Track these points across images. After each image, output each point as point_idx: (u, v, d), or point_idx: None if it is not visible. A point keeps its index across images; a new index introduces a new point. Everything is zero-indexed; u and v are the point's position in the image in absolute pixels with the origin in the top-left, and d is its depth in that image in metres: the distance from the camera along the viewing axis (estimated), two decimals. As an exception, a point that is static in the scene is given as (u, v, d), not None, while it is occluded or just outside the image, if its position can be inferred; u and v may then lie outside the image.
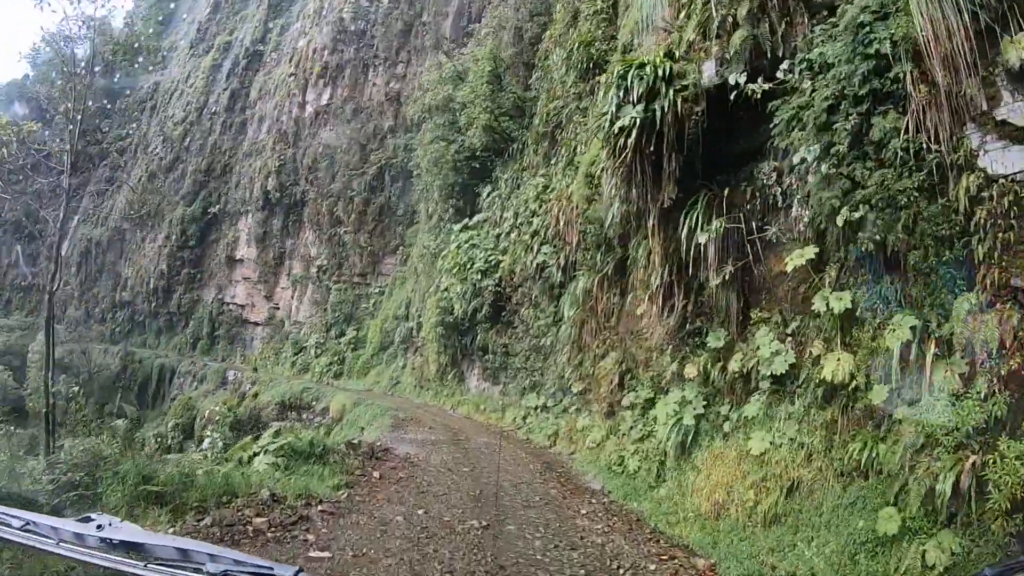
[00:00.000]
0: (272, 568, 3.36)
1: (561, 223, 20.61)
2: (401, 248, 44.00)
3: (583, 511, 12.91)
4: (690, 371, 13.94)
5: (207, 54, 66.37)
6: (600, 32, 21.75)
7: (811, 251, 11.35)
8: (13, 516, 3.70)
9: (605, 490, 14.81)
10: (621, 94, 13.82)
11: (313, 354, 46.79)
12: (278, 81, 58.29)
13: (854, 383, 10.37)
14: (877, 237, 9.69)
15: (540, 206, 24.40)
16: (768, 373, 11.92)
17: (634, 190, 14.27)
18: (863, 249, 10.11)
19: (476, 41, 37.08)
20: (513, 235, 25.75)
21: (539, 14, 31.14)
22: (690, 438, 13.62)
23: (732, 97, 12.44)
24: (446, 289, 28.49)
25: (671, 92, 13.41)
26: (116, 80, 69.19)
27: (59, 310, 67.80)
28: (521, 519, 11.94)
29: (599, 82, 18.24)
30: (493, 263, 26.43)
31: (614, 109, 14.01)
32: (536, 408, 23.36)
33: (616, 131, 13.77)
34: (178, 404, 50.37)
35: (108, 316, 66.21)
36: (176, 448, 42.00)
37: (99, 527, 3.62)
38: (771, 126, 11.71)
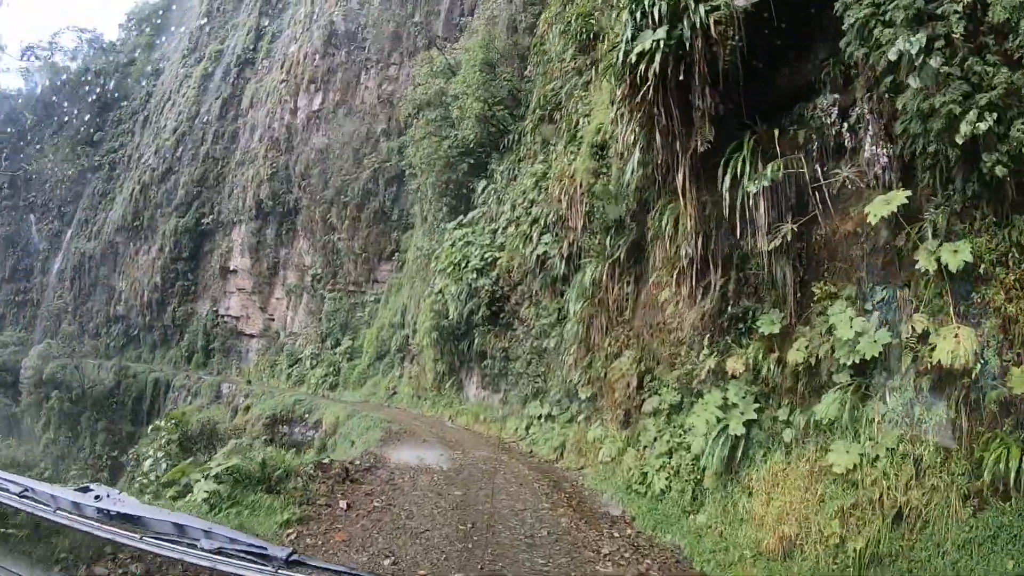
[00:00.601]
0: (265, 547, 3.39)
1: (564, 205, 17.51)
2: (397, 254, 41.63)
3: (605, 550, 9.86)
4: (734, 366, 10.86)
5: (199, 63, 63.62)
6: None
7: (900, 196, 8.17)
8: (11, 482, 3.66)
9: (627, 516, 12.44)
10: (639, 16, 10.51)
11: (308, 365, 44.29)
12: (269, 88, 55.64)
13: (980, 367, 7.55)
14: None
15: (539, 194, 21.77)
16: (849, 362, 8.59)
17: (658, 137, 11.18)
18: (987, 178, 7.07)
19: (468, 34, 35.09)
20: (510, 229, 22.84)
21: (533, 3, 28.79)
22: (739, 451, 10.18)
23: (773, 14, 9.76)
24: (440, 291, 25.47)
25: (701, 9, 10.07)
26: (109, 91, 67.77)
27: (53, 325, 66.05)
28: (524, 569, 8.54)
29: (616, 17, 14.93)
30: (489, 260, 23.38)
31: (630, 35, 10.71)
32: (540, 417, 20.48)
33: (634, 60, 10.71)
34: (171, 419, 47.64)
35: (103, 330, 63.77)
36: (171, 465, 39.12)
37: (97, 497, 3.65)
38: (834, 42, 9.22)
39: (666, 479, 11.98)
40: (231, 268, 55.59)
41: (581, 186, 16.82)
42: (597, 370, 16.50)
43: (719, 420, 10.85)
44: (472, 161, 29.14)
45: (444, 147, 29.62)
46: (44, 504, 3.47)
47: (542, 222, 20.18)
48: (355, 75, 49.21)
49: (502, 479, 14.33)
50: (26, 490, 3.55)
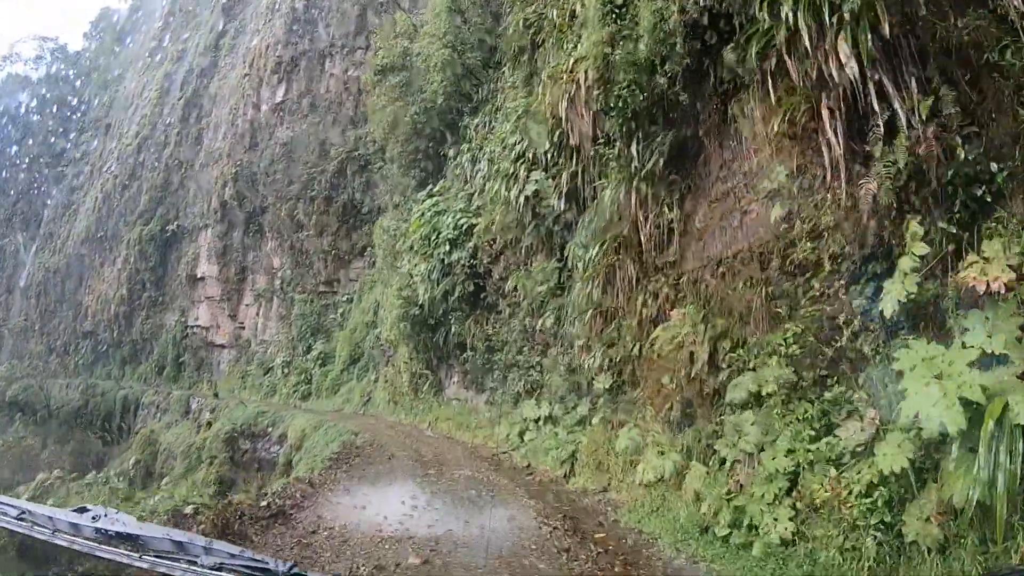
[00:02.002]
0: (267, 562, 3.24)
1: (563, 113, 11.39)
2: (369, 249, 36.54)
3: None
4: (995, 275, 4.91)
5: (160, 66, 58.13)
6: None
7: None
8: (9, 505, 3.54)
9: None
10: None
11: (280, 374, 39.60)
12: (232, 84, 50.91)
13: None
14: None
15: (523, 136, 15.60)
16: None
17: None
18: None
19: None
20: (489, 185, 16.73)
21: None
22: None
23: None
24: (409, 273, 19.42)
25: None
26: (71, 100, 62.54)
27: (19, 344, 60.40)
28: None
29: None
30: (465, 228, 17.86)
31: None
32: (537, 420, 15.40)
33: None
34: (140, 438, 42.56)
35: (71, 348, 58.55)
36: (139, 487, 33.55)
37: (95, 518, 3.51)
38: None
39: (793, 521, 6.32)
40: (198, 275, 50.53)
41: (588, 77, 11.03)
42: (625, 345, 10.84)
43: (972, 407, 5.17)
44: (441, 122, 23.97)
45: (410, 113, 24.64)
46: (42, 526, 3.28)
47: (530, 155, 14.45)
48: (319, 63, 44.56)
49: (496, 517, 9.80)
50: (24, 512, 3.33)
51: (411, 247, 19.97)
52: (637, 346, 10.67)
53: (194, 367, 50.33)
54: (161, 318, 53.67)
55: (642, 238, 10.56)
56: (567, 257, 13.23)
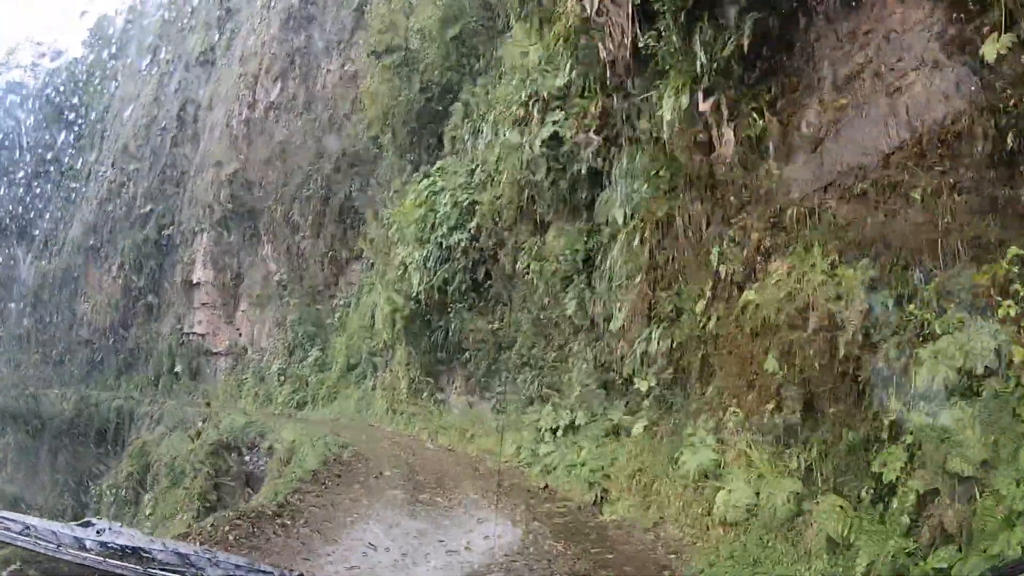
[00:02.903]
0: (274, 573, 3.25)
1: (591, 9, 8.19)
2: (366, 250, 33.85)
3: None
4: None
5: (156, 70, 55.58)
6: None
7: None
8: (12, 520, 3.43)
9: None
10: None
11: (276, 382, 37.15)
12: (228, 85, 48.11)
13: None
14: None
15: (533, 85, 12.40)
16: None
17: None
18: None
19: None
20: (495, 148, 13.56)
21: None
22: None
23: None
24: (402, 263, 16.20)
25: None
26: (69, 106, 59.99)
27: (13, 354, 57.58)
28: None
29: None
30: (466, 205, 14.41)
31: None
32: (555, 431, 11.77)
33: None
34: (133, 450, 39.62)
35: (65, 357, 55.48)
36: (131, 500, 34.28)
37: (99, 532, 3.44)
38: None
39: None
40: (194, 281, 47.71)
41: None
42: (689, 323, 7.53)
43: None
44: (441, 99, 20.96)
45: (406, 93, 21.84)
46: (46, 541, 3.15)
47: (544, 95, 11.28)
48: (316, 59, 41.72)
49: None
50: (27, 527, 3.21)
51: (404, 234, 16.85)
52: (708, 321, 7.48)
53: (190, 376, 47.14)
54: (157, 326, 50.85)
55: (715, 165, 7.37)
56: (597, 216, 10.05)
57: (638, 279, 9.06)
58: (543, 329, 13.31)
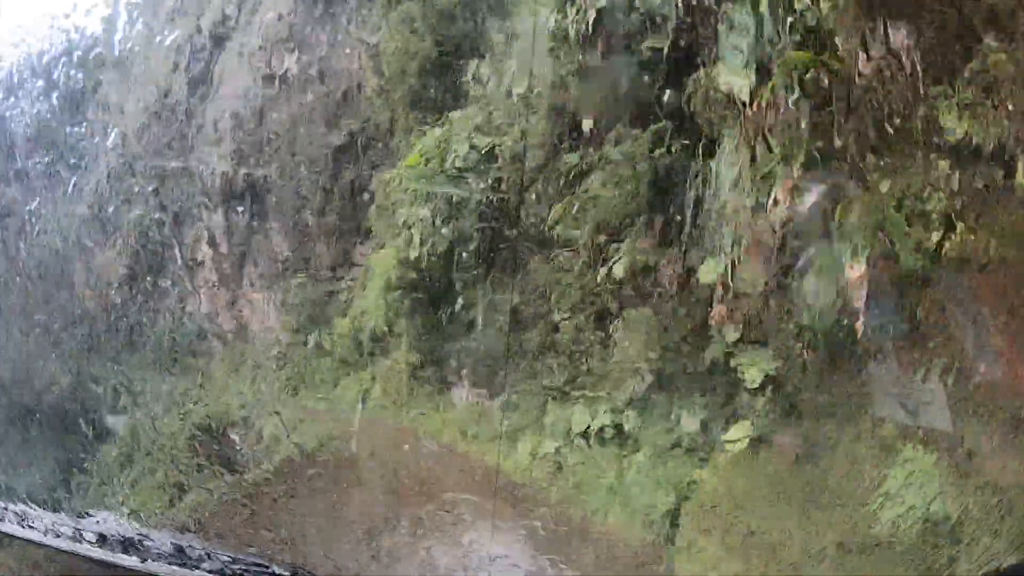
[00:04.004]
0: (268, 566, 3.54)
1: None
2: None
3: None
4: None
5: (169, 39, 52.39)
6: None
7: None
8: (9, 510, 4.07)
9: None
10: None
11: (274, 366, 34.92)
12: (243, 59, 44.02)
13: None
14: None
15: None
16: None
17: None
18: None
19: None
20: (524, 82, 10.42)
21: None
22: None
23: None
24: (404, 226, 13.12)
25: None
26: (80, 79, 57.29)
27: (9, 326, 54.74)
28: None
29: None
30: (484, 150, 10.89)
31: None
32: (586, 435, 7.69)
33: None
34: (124, 432, 38.47)
35: (64, 333, 51.56)
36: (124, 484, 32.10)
37: (96, 522, 3.08)
38: None
39: None
40: (198, 260, 44.80)
41: None
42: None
43: None
44: (459, 44, 17.75)
45: (421, 42, 18.14)
46: (45, 531, 3.65)
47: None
48: (333, 28, 38.42)
49: None
50: (24, 517, 3.75)
51: (405, 190, 13.61)
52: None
53: (190, 356, 42.91)
54: (159, 304, 46.83)
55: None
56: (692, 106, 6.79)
57: (772, 189, 5.89)
58: (581, 301, 10.12)
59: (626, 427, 8.97)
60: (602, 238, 9.98)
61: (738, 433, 7.15)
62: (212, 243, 43.87)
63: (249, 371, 36.56)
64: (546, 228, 11.08)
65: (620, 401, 9.22)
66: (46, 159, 57.55)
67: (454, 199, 12.51)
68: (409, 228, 14.09)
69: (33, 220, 57.93)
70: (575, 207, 10.34)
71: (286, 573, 3.73)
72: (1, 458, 42.64)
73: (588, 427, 9.61)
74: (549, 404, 10.71)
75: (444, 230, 12.68)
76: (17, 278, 56.37)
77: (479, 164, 12.22)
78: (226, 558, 3.80)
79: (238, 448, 23.59)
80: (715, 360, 7.96)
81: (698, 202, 7.85)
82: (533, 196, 11.53)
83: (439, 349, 15.52)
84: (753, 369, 7.20)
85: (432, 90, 18.80)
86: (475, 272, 12.47)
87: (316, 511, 11.14)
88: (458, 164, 12.42)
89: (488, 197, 11.92)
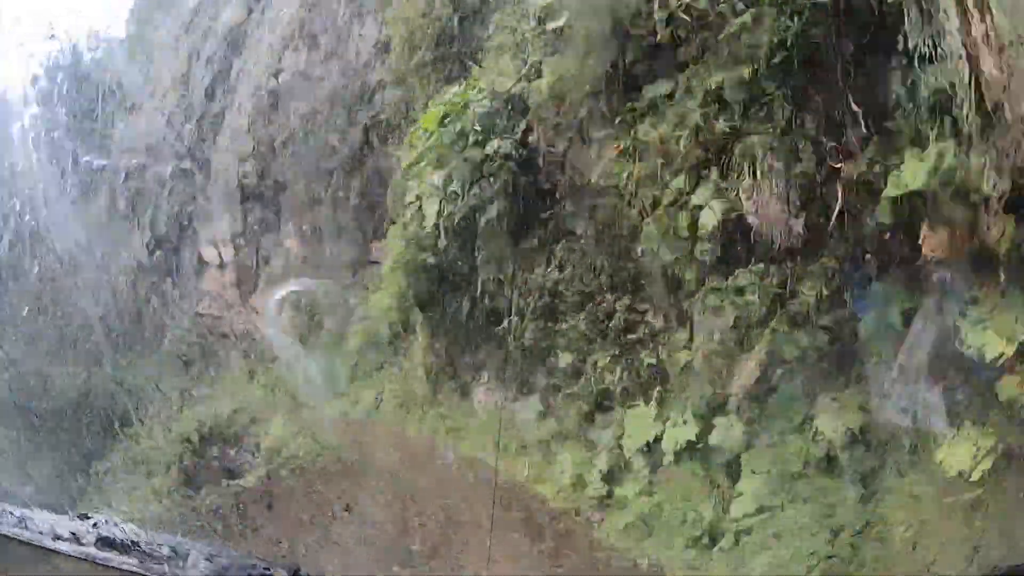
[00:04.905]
0: (269, 568, 2.96)
1: None
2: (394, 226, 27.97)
3: None
4: None
5: (189, 41, 50.93)
6: None
7: None
8: (8, 512, 3.29)
9: None
10: None
11: (287, 368, 31.95)
12: (257, 56, 42.85)
13: None
14: None
15: None
16: None
17: None
18: None
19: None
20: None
21: None
22: None
23: None
24: (416, 199, 10.24)
25: None
26: (104, 83, 56.12)
27: (25, 328, 52.87)
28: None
29: None
30: (511, 96, 8.00)
31: None
32: (651, 451, 4.57)
33: None
34: (132, 436, 35.55)
35: (79, 335, 49.70)
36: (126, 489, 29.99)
37: (95, 524, 3.28)
38: None
39: None
40: (213, 261, 43.10)
41: None
42: None
43: None
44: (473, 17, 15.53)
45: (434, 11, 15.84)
46: (42, 533, 3.03)
47: None
48: (347, 22, 36.62)
49: None
50: (23, 519, 3.09)
51: (419, 157, 11.06)
52: None
53: (203, 359, 41.72)
54: (173, 306, 45.77)
55: None
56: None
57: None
58: (637, 276, 7.64)
59: (719, 441, 6.39)
60: (673, 186, 7.53)
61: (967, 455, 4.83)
62: (226, 243, 41.90)
63: (261, 374, 34.52)
64: (592, 183, 8.54)
65: (707, 406, 6.70)
66: (61, 161, 56.36)
67: (477, 158, 10.00)
68: (419, 201, 11.43)
69: (45, 222, 56.64)
70: (632, 153, 7.97)
71: (286, 574, 2.79)
72: (8, 460, 40.92)
73: (650, 437, 7.01)
74: (597, 410, 8.18)
75: (464, 197, 10.14)
76: (29, 283, 55.00)
77: (506, 115, 9.74)
78: (223, 560, 2.93)
79: (243, 452, 21.59)
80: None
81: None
82: (575, 146, 9.02)
83: (459, 345, 12.74)
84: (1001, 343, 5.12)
85: (448, 59, 16.32)
86: (502, 246, 9.81)
87: (320, 519, 9.06)
88: (480, 119, 9.92)
89: (518, 151, 9.49)
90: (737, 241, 7.32)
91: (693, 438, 6.62)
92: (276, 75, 39.92)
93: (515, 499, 8.75)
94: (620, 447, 7.90)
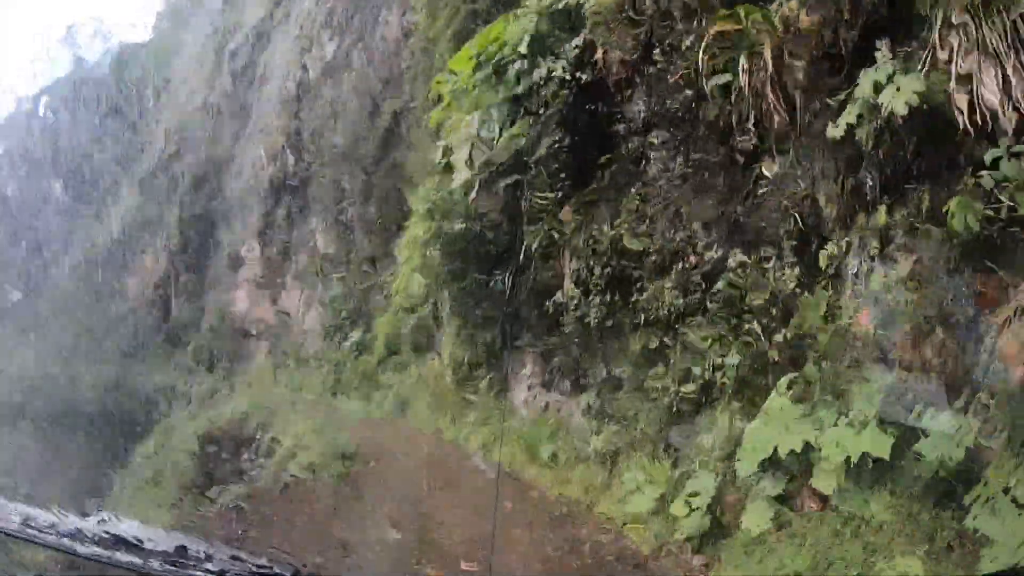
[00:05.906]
0: (271, 566, 2.98)
1: None
2: None
3: None
4: None
5: (215, 38, 50.91)
6: None
7: None
8: (14, 510, 3.25)
9: None
10: None
11: (311, 366, 31.05)
12: (284, 51, 41.74)
13: None
14: None
15: None
16: None
17: None
18: None
19: None
20: None
21: None
22: None
23: None
24: (444, 159, 7.37)
25: None
26: (128, 82, 55.31)
27: (54, 327, 51.54)
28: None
29: None
30: (565, 12, 5.27)
31: None
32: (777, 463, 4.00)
33: None
34: (157, 435, 34.44)
35: (106, 334, 49.08)
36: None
37: (99, 522, 3.22)
38: None
39: None
40: (240, 257, 41.70)
41: None
42: None
43: None
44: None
45: None
46: (46, 532, 2.93)
47: None
48: (373, 12, 34.93)
49: None
50: (28, 518, 3.01)
51: (448, 106, 8.62)
52: None
53: (230, 357, 40.69)
54: (199, 303, 44.63)
55: None
56: None
57: None
58: (756, 217, 5.21)
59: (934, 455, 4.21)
60: (786, 123, 5.34)
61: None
62: (252, 239, 40.39)
63: (287, 371, 32.82)
64: (680, 114, 6.35)
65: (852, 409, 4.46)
66: (91, 160, 55.32)
67: (520, 89, 7.66)
68: (450, 153, 8.86)
69: (75, 220, 55.64)
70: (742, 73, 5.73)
71: (288, 573, 2.65)
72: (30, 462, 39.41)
73: (800, 441, 4.77)
74: (683, 412, 5.88)
75: (502, 132, 7.79)
76: (57, 282, 54.02)
77: (556, 32, 7.35)
78: (227, 559, 2.70)
79: (260, 451, 19.68)
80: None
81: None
82: (652, 69, 6.71)
83: (494, 330, 10.11)
84: None
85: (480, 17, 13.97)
86: (551, 203, 7.36)
87: (338, 520, 7.23)
88: (526, 42, 7.61)
89: (574, 73, 7.08)
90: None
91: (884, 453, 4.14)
92: (302, 67, 38.39)
93: (572, 523, 6.46)
94: (720, 459, 5.51)
